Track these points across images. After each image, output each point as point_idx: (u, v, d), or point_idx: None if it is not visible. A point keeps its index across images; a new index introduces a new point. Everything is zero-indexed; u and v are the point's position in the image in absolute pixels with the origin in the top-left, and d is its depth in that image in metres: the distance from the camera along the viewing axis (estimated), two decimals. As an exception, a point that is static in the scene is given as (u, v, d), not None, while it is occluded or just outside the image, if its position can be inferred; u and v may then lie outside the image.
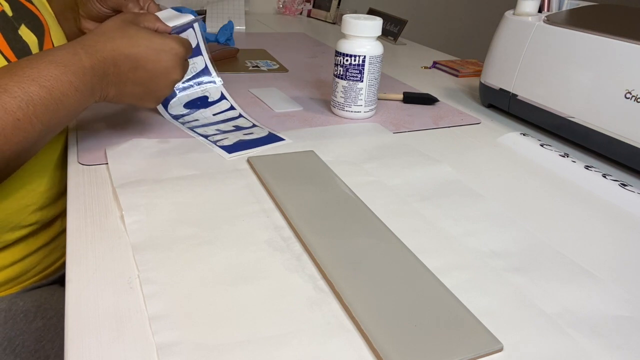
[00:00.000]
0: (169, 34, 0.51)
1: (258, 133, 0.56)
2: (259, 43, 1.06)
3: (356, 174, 0.49)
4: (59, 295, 0.55)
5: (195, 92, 0.60)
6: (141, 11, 0.54)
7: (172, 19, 0.55)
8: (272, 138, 0.56)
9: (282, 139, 0.55)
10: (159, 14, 0.59)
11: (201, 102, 0.60)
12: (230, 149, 0.52)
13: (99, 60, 0.43)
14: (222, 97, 0.61)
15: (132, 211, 0.40)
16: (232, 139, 0.54)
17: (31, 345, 0.49)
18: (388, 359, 0.28)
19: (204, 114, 0.59)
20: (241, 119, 0.60)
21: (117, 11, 0.59)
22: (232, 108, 0.61)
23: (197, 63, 0.59)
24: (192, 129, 0.56)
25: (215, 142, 0.53)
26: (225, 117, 0.60)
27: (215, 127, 0.57)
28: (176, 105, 0.58)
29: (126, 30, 0.45)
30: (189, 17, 0.56)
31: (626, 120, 0.51)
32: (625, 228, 0.43)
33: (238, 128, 0.57)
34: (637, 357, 0.30)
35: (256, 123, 0.59)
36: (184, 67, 0.50)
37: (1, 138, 0.37)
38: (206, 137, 0.54)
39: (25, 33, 0.48)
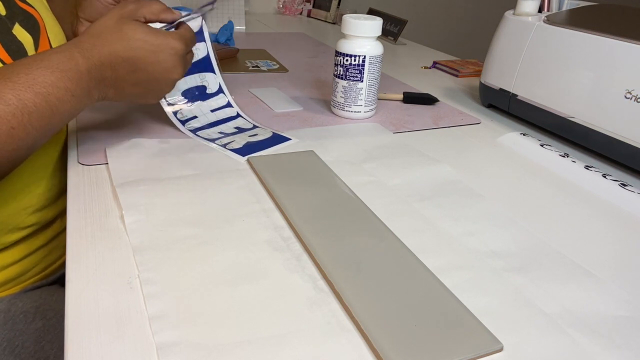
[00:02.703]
0: (177, 21, 0.50)
1: (262, 134, 0.56)
2: (259, 43, 1.06)
3: (356, 174, 0.49)
4: (59, 295, 0.55)
5: (193, 79, 0.59)
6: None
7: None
8: (278, 138, 0.55)
9: (288, 139, 0.55)
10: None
11: (199, 93, 0.59)
12: (242, 151, 0.52)
13: (95, 65, 0.42)
14: (220, 91, 0.61)
15: (132, 211, 0.40)
16: (239, 141, 0.54)
17: (31, 346, 0.49)
18: (388, 359, 0.28)
19: (202, 109, 0.58)
20: (240, 119, 0.60)
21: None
22: (229, 105, 0.61)
23: (200, 49, 0.59)
24: (194, 131, 0.56)
25: (224, 146, 0.53)
26: (225, 116, 0.59)
27: (217, 129, 0.57)
28: (173, 92, 0.57)
29: (123, 30, 0.44)
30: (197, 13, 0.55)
31: (626, 120, 0.51)
32: (625, 228, 0.43)
33: (240, 130, 0.57)
34: (637, 357, 0.30)
35: (256, 124, 0.59)
36: (185, 64, 0.49)
37: None
38: (213, 141, 0.54)
39: (20, 32, 0.48)
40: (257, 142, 0.54)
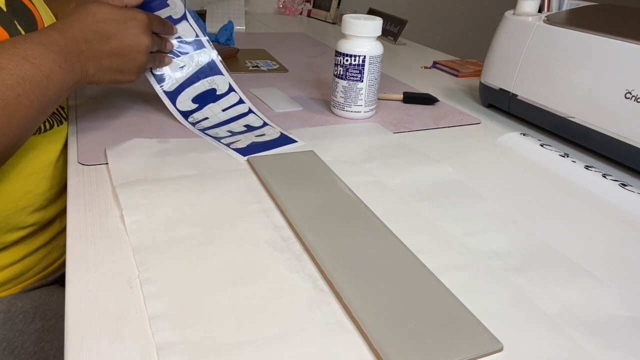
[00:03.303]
0: (141, 7, 0.54)
1: (270, 134, 0.56)
2: (259, 43, 1.06)
3: (356, 174, 0.49)
4: (58, 296, 0.55)
5: (202, 84, 0.59)
6: None
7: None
8: (284, 140, 0.55)
9: (294, 141, 0.55)
10: None
11: (210, 96, 0.59)
12: (244, 151, 0.52)
13: (71, 40, 0.46)
14: (231, 89, 0.61)
15: (132, 211, 0.40)
16: (244, 140, 0.54)
17: (30, 346, 0.49)
18: (388, 359, 0.28)
19: (213, 110, 0.59)
20: (251, 115, 0.60)
21: None
22: (241, 101, 0.61)
23: (202, 55, 0.59)
24: (203, 130, 0.56)
25: (228, 145, 0.53)
26: (236, 113, 0.59)
27: (227, 127, 0.57)
28: (184, 100, 0.58)
29: (88, 8, 0.49)
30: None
31: (626, 120, 0.51)
32: (625, 228, 0.43)
33: (249, 128, 0.57)
34: (637, 357, 0.30)
35: (267, 121, 0.59)
36: (149, 32, 0.52)
37: (6, 113, 0.39)
38: (218, 139, 0.54)
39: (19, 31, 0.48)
40: (262, 142, 0.54)
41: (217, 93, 0.60)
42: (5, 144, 0.40)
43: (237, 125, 0.57)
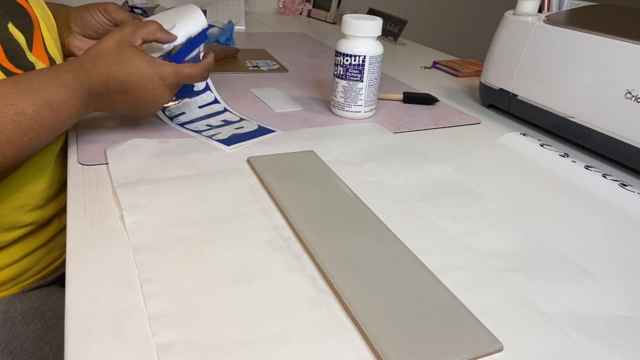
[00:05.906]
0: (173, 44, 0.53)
1: (248, 127, 0.58)
2: (259, 43, 1.06)
3: (356, 174, 0.49)
4: (57, 296, 0.55)
5: None
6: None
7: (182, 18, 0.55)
8: (263, 130, 0.57)
9: (272, 131, 0.57)
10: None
11: (187, 91, 0.60)
12: (228, 142, 0.53)
13: (95, 84, 0.47)
14: (207, 88, 0.62)
15: (132, 211, 0.40)
16: (225, 133, 0.56)
17: (29, 347, 0.49)
18: (388, 359, 0.28)
19: (190, 107, 0.60)
20: (227, 113, 0.61)
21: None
22: (216, 101, 0.62)
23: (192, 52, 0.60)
24: (182, 124, 0.57)
25: (211, 137, 0.54)
26: (212, 111, 0.61)
27: (205, 122, 0.58)
28: None
29: (121, 55, 0.48)
30: (197, 21, 0.56)
31: (626, 120, 0.51)
32: (625, 228, 0.43)
33: (227, 122, 0.59)
34: (637, 357, 0.30)
35: (242, 116, 0.61)
36: (174, 91, 0.52)
37: (16, 155, 0.41)
38: (200, 132, 0.55)
39: (14, 32, 0.47)
40: (242, 134, 0.56)
41: (194, 89, 0.61)
42: (6, 175, 0.43)
43: (215, 121, 0.59)
